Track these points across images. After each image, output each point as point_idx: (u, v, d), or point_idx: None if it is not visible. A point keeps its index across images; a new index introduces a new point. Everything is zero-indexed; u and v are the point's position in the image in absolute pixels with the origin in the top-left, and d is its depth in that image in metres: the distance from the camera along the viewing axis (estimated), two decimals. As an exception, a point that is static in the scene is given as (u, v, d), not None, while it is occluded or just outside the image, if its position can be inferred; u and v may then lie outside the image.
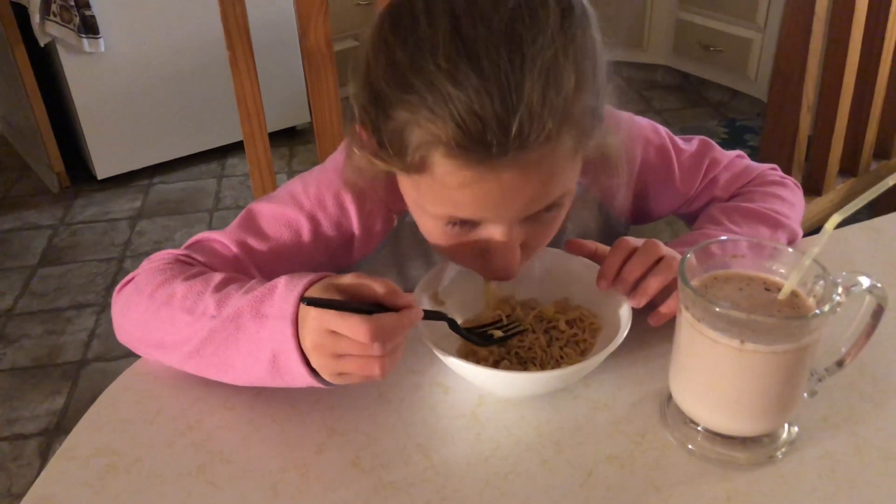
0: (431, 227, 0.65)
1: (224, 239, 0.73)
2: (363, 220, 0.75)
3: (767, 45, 2.72)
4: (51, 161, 2.54)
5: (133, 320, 0.68)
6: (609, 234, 0.84)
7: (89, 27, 2.31)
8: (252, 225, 0.74)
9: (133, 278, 0.70)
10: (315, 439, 0.62)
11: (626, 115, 0.77)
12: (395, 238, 0.78)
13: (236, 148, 2.74)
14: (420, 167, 0.58)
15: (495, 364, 0.67)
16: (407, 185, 0.64)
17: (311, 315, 0.56)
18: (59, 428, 1.66)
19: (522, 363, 0.67)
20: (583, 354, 0.67)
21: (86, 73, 2.41)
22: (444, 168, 0.57)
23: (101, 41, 2.35)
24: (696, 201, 0.85)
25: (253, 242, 0.73)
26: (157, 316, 0.66)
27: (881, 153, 1.58)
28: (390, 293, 0.57)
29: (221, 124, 2.67)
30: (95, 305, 2.04)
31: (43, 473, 0.60)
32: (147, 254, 0.69)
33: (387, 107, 0.58)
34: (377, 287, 0.57)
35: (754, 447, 0.60)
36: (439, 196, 0.60)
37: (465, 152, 0.55)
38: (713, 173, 0.84)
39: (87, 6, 2.28)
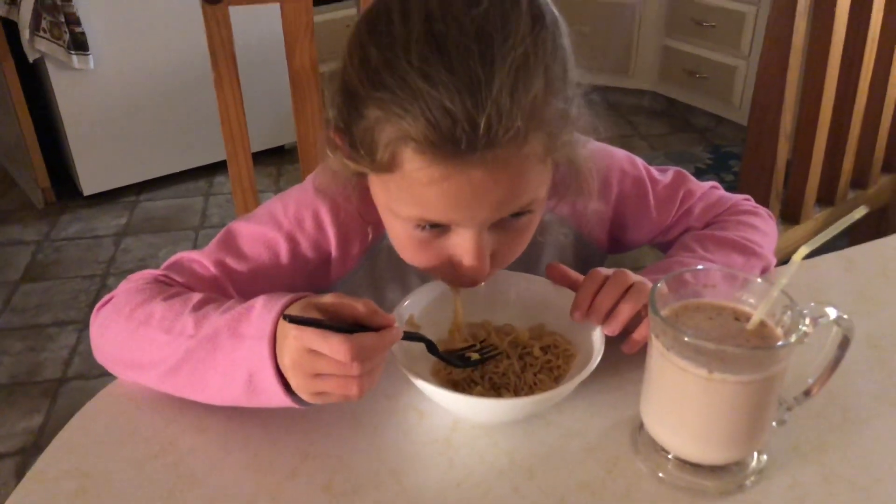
0: (401, 233, 0.66)
1: (203, 259, 0.73)
2: (341, 240, 0.76)
3: (752, 73, 2.76)
4: (36, 176, 2.54)
5: (111, 340, 0.68)
6: (585, 261, 0.85)
7: (79, 44, 2.32)
8: (231, 245, 0.74)
9: (111, 299, 0.70)
10: (288, 463, 0.62)
11: (603, 147, 0.78)
12: (372, 262, 0.79)
13: (224, 166, 2.72)
14: (390, 165, 0.59)
15: (468, 389, 0.67)
16: (378, 188, 0.65)
17: (292, 334, 0.56)
18: (37, 447, 1.64)
19: (496, 389, 0.67)
20: (556, 381, 0.67)
21: (74, 89, 2.41)
22: (413, 165, 0.58)
23: (91, 58, 2.36)
24: (672, 231, 0.87)
25: (231, 262, 0.73)
26: (134, 336, 0.66)
27: (858, 183, 1.61)
28: (371, 313, 0.58)
29: (209, 142, 2.68)
30: (77, 323, 2.03)
31: (12, 496, 0.59)
32: (131, 271, 0.70)
33: (359, 105, 0.59)
34: (358, 306, 0.57)
35: (724, 475, 0.60)
36: (409, 196, 0.61)
37: (434, 149, 0.56)
38: (688, 204, 0.85)
39: (77, 23, 2.29)
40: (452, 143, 0.55)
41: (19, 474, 1.57)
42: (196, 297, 0.66)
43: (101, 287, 2.18)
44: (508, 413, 0.65)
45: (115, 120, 2.52)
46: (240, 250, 0.74)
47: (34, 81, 2.49)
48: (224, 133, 1.12)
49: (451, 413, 0.66)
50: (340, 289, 0.79)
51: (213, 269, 0.72)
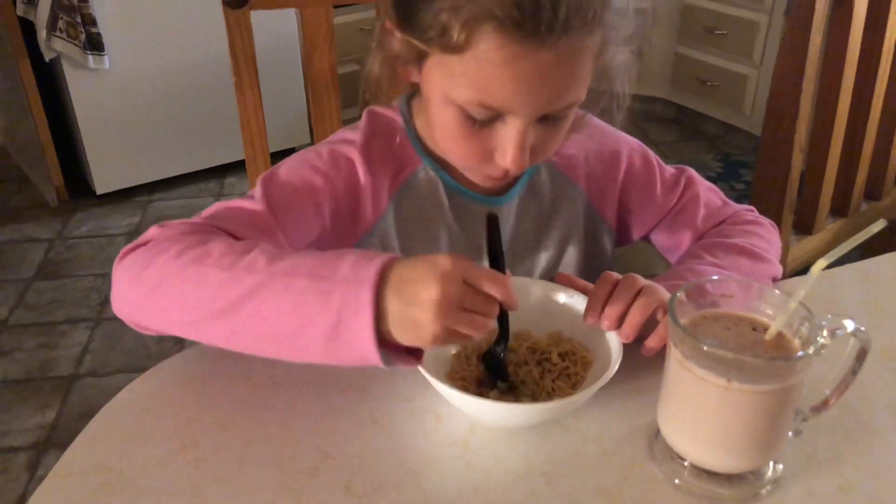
0: (449, 121, 0.69)
1: (245, 203, 0.73)
2: (371, 180, 0.78)
3: (763, 82, 2.76)
4: (50, 174, 2.55)
5: (145, 281, 0.64)
6: (594, 236, 0.89)
7: (95, 44, 2.34)
8: (269, 188, 0.75)
9: (146, 242, 0.67)
10: (308, 463, 0.63)
11: (612, 128, 0.82)
12: (398, 206, 0.80)
13: (236, 167, 2.76)
14: (463, 45, 0.62)
15: (486, 393, 0.68)
16: (436, 72, 0.68)
17: (445, 265, 0.56)
18: (49, 442, 1.65)
19: (515, 394, 0.68)
20: (574, 387, 0.68)
21: (89, 88, 2.43)
22: (489, 44, 0.61)
23: (106, 58, 2.38)
24: (675, 225, 0.89)
25: (274, 200, 0.74)
26: (179, 275, 0.62)
27: (872, 194, 1.61)
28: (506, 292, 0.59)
29: (222, 143, 2.69)
30: (89, 320, 2.05)
31: (39, 489, 0.61)
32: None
33: None
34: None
35: (739, 484, 0.61)
36: (471, 79, 0.64)
37: (516, 27, 0.60)
38: (692, 191, 0.89)
39: (94, 23, 2.31)
40: (534, 24, 0.60)
41: (31, 468, 1.59)
42: (262, 244, 0.64)
43: (114, 285, 2.20)
44: (527, 418, 0.66)
45: (128, 120, 2.53)
46: (280, 188, 0.75)
47: (50, 81, 2.51)
48: (244, 136, 1.13)
49: (469, 417, 0.67)
50: (367, 244, 0.80)
51: (258, 207, 0.72)
